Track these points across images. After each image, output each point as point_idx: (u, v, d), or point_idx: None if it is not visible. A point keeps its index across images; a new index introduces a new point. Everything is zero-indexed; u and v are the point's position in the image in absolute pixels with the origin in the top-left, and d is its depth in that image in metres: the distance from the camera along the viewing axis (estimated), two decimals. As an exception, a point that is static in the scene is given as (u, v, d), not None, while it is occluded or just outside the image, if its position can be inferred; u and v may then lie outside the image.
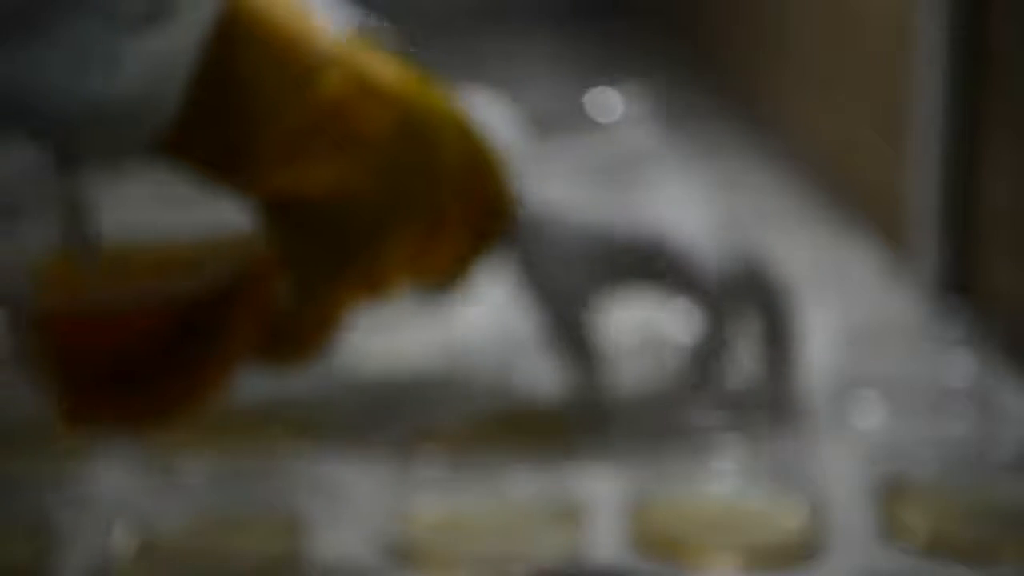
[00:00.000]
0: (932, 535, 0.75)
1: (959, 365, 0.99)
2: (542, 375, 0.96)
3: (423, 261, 0.74)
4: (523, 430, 0.88)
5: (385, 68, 0.72)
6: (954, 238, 1.11)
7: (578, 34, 2.81)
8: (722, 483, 0.80)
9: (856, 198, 1.37)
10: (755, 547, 0.74)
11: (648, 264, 0.91)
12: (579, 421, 0.89)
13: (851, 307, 1.12)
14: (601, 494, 0.79)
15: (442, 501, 0.79)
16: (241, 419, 0.90)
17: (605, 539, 0.76)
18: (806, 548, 0.75)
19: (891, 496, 0.79)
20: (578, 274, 0.88)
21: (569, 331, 0.91)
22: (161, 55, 0.64)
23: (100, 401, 0.69)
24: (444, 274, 0.77)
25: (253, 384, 0.79)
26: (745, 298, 0.90)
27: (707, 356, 0.89)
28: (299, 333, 0.73)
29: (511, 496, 0.79)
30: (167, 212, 0.73)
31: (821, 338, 1.05)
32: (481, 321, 1.09)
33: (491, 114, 0.75)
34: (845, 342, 1.04)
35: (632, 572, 0.74)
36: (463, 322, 1.06)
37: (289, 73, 0.69)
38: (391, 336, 0.94)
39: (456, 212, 0.74)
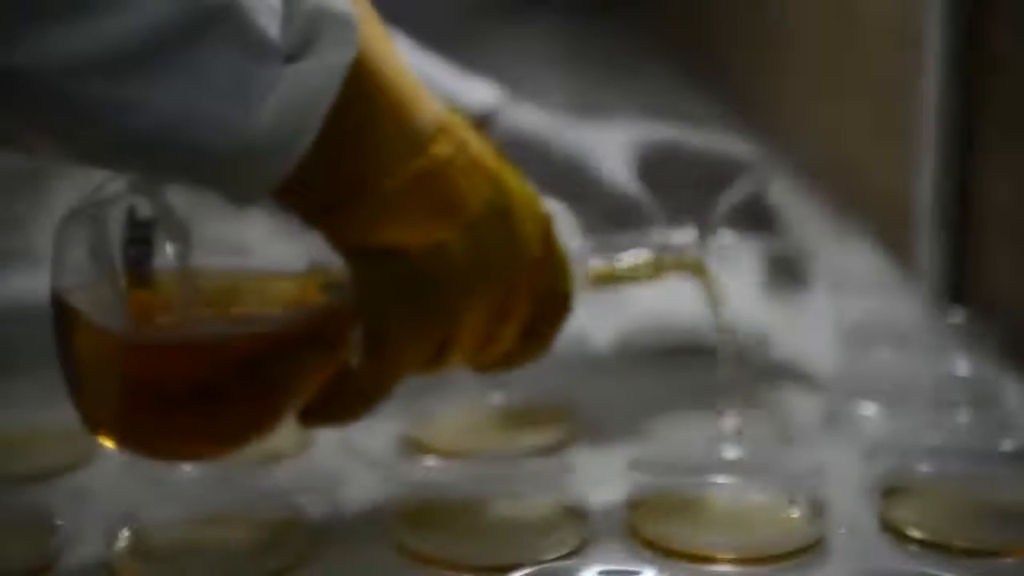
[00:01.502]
0: (931, 534, 0.75)
1: (959, 365, 0.99)
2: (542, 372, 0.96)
3: (486, 340, 0.75)
4: (524, 424, 0.88)
5: (479, 142, 0.73)
6: (954, 239, 1.11)
7: (577, 30, 2.82)
8: (722, 483, 0.80)
9: (856, 199, 1.37)
10: (755, 546, 0.74)
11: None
12: None
13: (851, 308, 1.12)
14: (602, 493, 0.79)
15: (441, 497, 0.79)
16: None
17: (605, 538, 0.76)
18: (806, 547, 0.75)
19: (891, 496, 0.79)
20: None
21: None
22: (301, 92, 0.64)
23: (160, 426, 0.69)
24: (496, 360, 0.77)
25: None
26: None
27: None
28: (359, 387, 0.73)
29: (511, 493, 0.79)
30: (259, 247, 0.73)
31: (821, 338, 1.06)
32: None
33: (555, 213, 0.77)
34: (845, 342, 1.04)
35: (632, 571, 0.74)
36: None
37: (404, 132, 0.69)
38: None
39: (524, 296, 0.75)
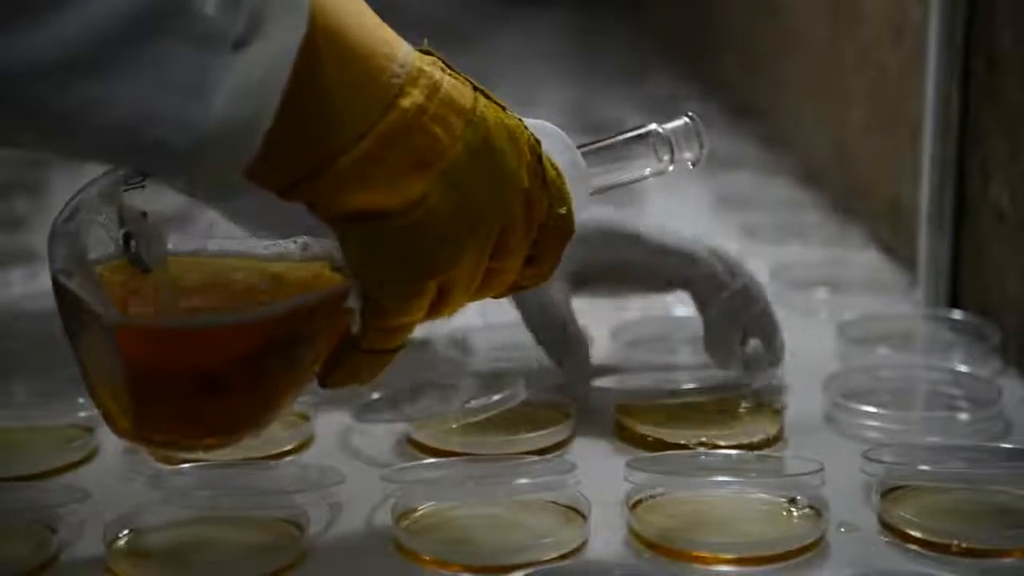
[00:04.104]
0: (931, 534, 0.75)
1: (959, 365, 0.99)
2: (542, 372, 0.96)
3: (487, 277, 0.74)
4: (524, 424, 0.88)
5: (453, 83, 0.71)
6: (954, 239, 1.11)
7: (576, 29, 2.82)
8: (722, 483, 0.80)
9: (856, 199, 1.37)
10: (755, 546, 0.74)
11: (626, 258, 0.95)
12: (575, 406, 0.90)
13: (851, 308, 1.12)
14: (602, 492, 0.79)
15: (441, 498, 0.79)
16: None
17: (605, 538, 0.76)
18: (806, 547, 0.75)
19: (891, 496, 0.79)
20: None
21: (553, 323, 0.93)
22: (255, 77, 0.64)
23: (171, 413, 0.69)
24: (501, 292, 0.76)
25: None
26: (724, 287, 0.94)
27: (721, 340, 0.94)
28: (369, 347, 0.72)
29: (511, 492, 0.79)
30: (256, 233, 0.73)
31: (821, 339, 1.06)
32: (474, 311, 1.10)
33: (544, 135, 0.75)
34: (846, 342, 1.04)
35: (632, 571, 0.74)
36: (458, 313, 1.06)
37: (372, 89, 0.68)
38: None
39: (520, 228, 0.73)
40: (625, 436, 0.89)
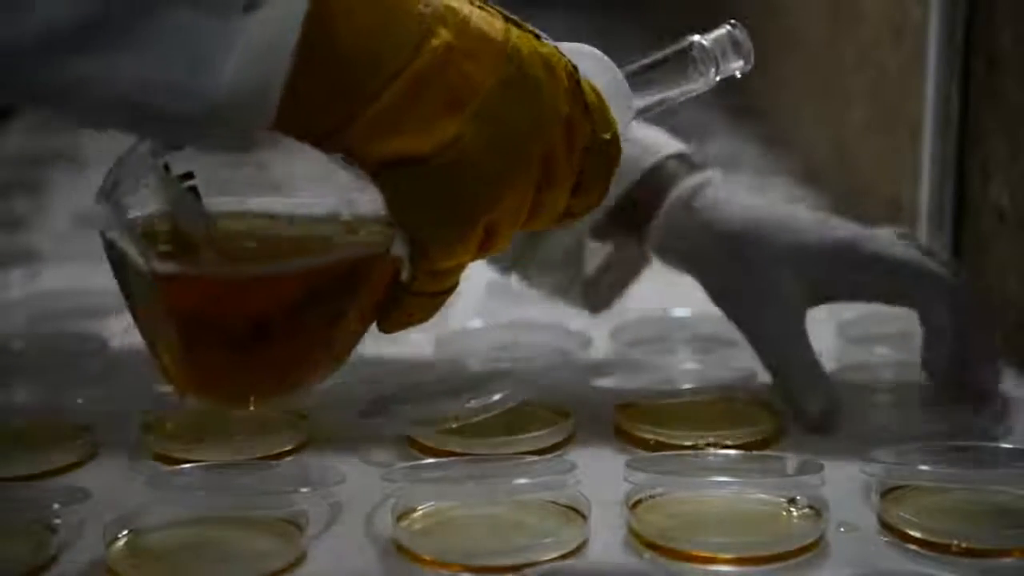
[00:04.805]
0: (931, 534, 0.75)
1: (959, 365, 0.98)
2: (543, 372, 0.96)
3: (534, 210, 0.72)
4: (524, 424, 0.88)
5: (482, 15, 0.70)
6: (953, 238, 1.11)
7: (574, 27, 2.82)
8: (722, 483, 0.80)
9: (856, 199, 1.37)
10: (755, 546, 0.74)
11: (849, 269, 0.92)
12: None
13: (851, 308, 1.12)
14: (602, 493, 0.79)
15: (441, 498, 0.79)
16: (240, 415, 0.90)
17: (605, 538, 0.76)
18: (806, 547, 0.75)
19: (891, 496, 0.79)
20: (791, 291, 0.90)
21: (794, 352, 0.91)
22: (266, 39, 0.63)
23: (226, 366, 0.69)
24: (551, 221, 0.75)
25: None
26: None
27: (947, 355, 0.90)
28: (419, 292, 0.72)
29: (511, 492, 0.79)
30: (296, 187, 0.72)
31: (821, 339, 1.06)
32: (470, 310, 1.10)
33: (583, 58, 0.74)
34: (845, 342, 1.04)
35: (632, 571, 0.74)
36: (457, 313, 1.06)
37: (399, 32, 0.67)
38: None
39: (563, 157, 0.71)
40: (625, 436, 0.89)
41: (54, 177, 1.58)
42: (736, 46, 0.78)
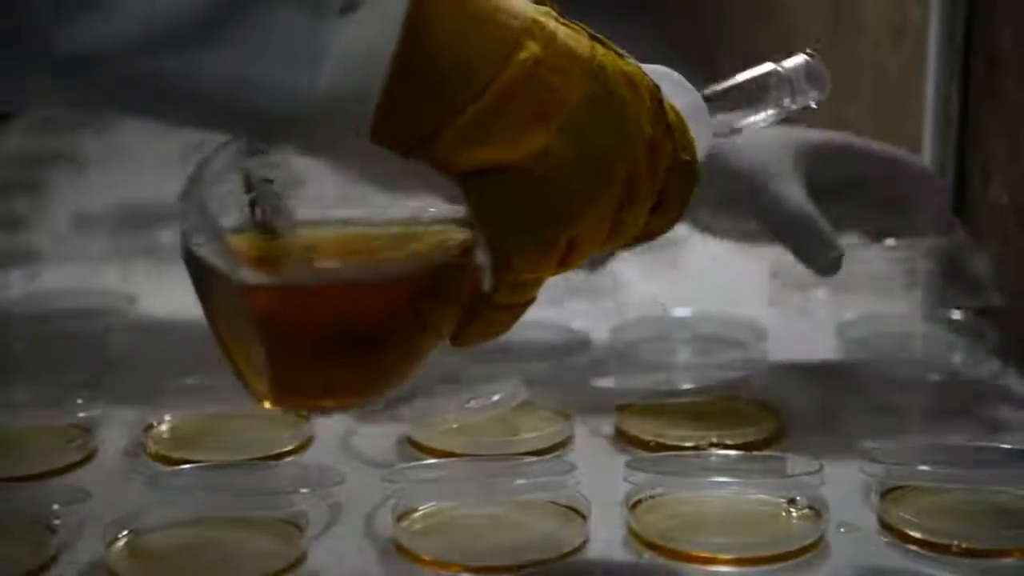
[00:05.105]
0: (931, 534, 0.75)
1: (959, 365, 0.99)
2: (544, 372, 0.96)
3: (614, 228, 0.72)
4: (524, 424, 0.88)
5: (568, 32, 0.70)
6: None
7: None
8: (722, 483, 0.80)
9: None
10: (755, 546, 0.74)
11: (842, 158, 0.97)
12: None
13: (851, 308, 1.12)
14: (602, 492, 0.79)
15: (441, 498, 0.79)
16: (240, 415, 0.90)
17: (605, 538, 0.76)
18: (806, 547, 0.75)
19: (891, 496, 0.79)
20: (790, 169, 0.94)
21: (799, 214, 0.94)
22: (364, 43, 0.63)
23: (308, 373, 0.69)
24: (629, 241, 0.75)
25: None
26: None
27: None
28: (498, 305, 0.72)
29: (511, 492, 0.79)
30: (381, 195, 0.72)
31: (821, 339, 1.06)
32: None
33: (662, 79, 0.74)
34: (845, 342, 1.04)
35: (632, 571, 0.74)
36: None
37: (489, 43, 0.67)
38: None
39: (645, 176, 0.72)
40: (625, 436, 0.89)
41: (54, 177, 1.58)
42: (812, 76, 0.78)
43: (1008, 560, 0.74)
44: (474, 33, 0.67)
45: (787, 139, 0.97)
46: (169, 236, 1.30)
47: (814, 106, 0.79)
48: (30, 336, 1.07)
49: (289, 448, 0.87)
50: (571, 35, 0.70)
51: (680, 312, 1.07)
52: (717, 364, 0.99)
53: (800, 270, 1.19)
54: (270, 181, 0.68)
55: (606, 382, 0.96)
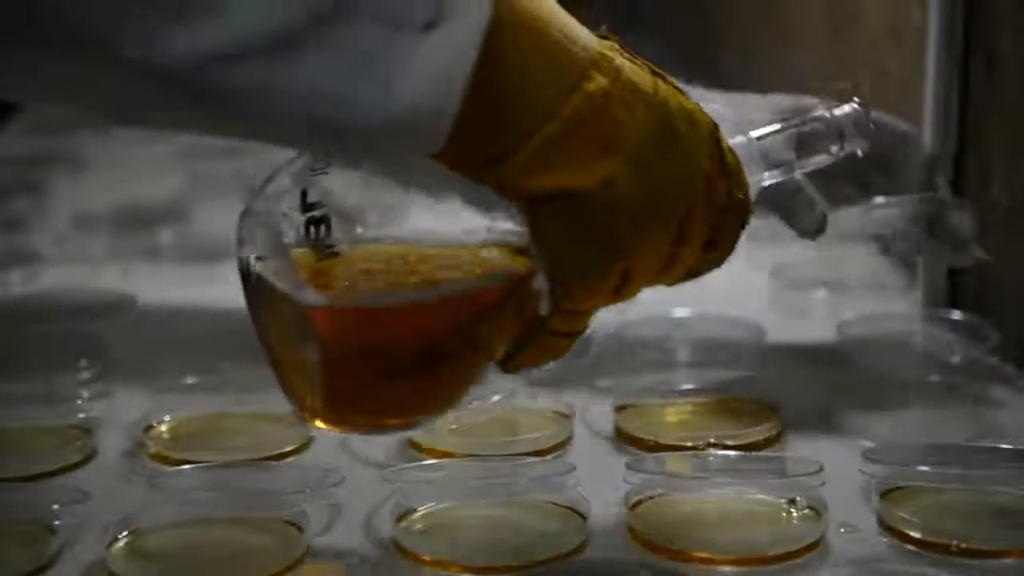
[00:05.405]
0: (931, 534, 0.75)
1: (959, 365, 0.99)
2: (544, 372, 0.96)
3: (668, 263, 0.73)
4: (524, 424, 0.88)
5: (633, 68, 0.71)
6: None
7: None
8: (722, 483, 0.80)
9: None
10: (755, 546, 0.74)
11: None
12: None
13: (850, 308, 1.12)
14: (602, 492, 0.79)
15: (441, 498, 0.79)
16: (240, 416, 0.90)
17: (605, 538, 0.76)
18: (806, 547, 0.75)
19: (891, 496, 0.79)
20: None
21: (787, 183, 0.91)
22: (442, 61, 0.63)
23: (367, 394, 0.69)
24: (679, 278, 0.75)
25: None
26: None
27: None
28: (554, 330, 0.72)
29: (511, 493, 0.79)
30: (441, 216, 0.72)
31: (820, 338, 1.06)
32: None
33: (721, 119, 0.74)
34: (845, 342, 1.04)
35: (632, 571, 0.74)
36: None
37: (558, 72, 0.67)
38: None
39: (701, 214, 0.72)
40: (625, 436, 0.89)
41: (54, 177, 1.58)
42: (859, 125, 0.79)
43: (1008, 560, 0.74)
44: (544, 61, 0.67)
45: (772, 104, 0.97)
46: (169, 236, 1.30)
47: (859, 154, 0.80)
48: (30, 336, 1.07)
49: (289, 448, 0.87)
50: (635, 70, 0.70)
51: (680, 312, 1.08)
52: (717, 364, 0.99)
53: (800, 270, 1.20)
54: (328, 201, 0.68)
55: (606, 382, 0.96)
